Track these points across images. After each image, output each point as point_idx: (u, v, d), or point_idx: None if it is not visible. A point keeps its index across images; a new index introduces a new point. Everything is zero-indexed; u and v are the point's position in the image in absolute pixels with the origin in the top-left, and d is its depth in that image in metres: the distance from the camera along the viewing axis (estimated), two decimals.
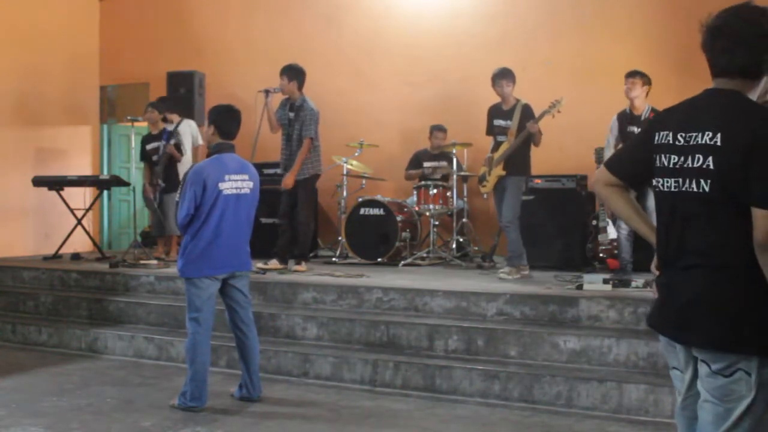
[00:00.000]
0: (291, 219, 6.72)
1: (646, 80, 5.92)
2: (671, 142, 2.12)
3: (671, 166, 2.11)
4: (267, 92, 6.69)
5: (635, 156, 2.31)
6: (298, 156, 6.56)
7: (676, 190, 2.09)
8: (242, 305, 4.53)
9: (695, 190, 2.03)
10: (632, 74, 5.95)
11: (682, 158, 2.08)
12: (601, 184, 2.32)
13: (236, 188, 4.37)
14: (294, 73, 6.64)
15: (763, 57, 2.05)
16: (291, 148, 6.68)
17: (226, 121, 4.49)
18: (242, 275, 4.52)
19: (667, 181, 2.12)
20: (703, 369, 2.03)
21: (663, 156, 2.14)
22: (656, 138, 2.17)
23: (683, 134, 2.09)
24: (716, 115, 2.04)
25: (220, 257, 4.34)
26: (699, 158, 2.02)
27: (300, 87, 6.67)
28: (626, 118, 6.00)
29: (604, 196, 2.34)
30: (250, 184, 4.46)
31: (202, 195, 4.26)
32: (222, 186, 4.30)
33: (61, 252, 8.09)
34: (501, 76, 6.24)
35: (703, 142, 2.02)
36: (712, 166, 1.99)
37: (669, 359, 2.22)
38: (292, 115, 6.67)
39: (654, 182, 2.18)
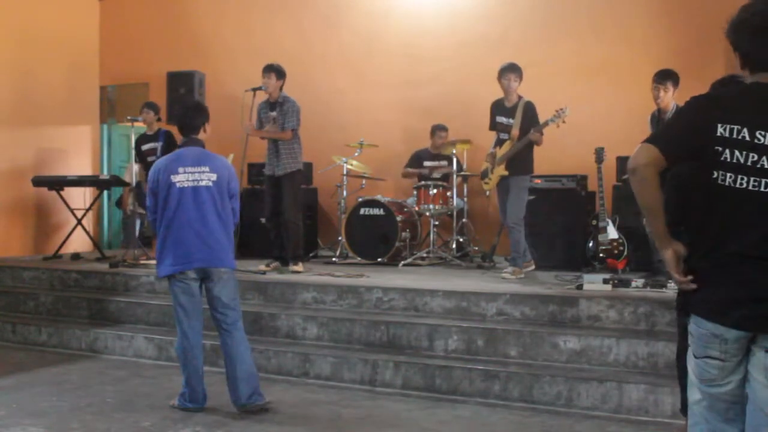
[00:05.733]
0: (278, 219, 6.68)
1: (676, 81, 5.61)
2: (747, 138, 2.11)
3: (749, 164, 2.11)
4: (254, 92, 6.70)
5: (689, 142, 2.19)
6: (273, 133, 6.57)
7: (755, 189, 2.10)
8: (220, 311, 4.30)
9: None
10: (664, 78, 5.59)
11: (766, 158, 2.09)
12: (648, 164, 2.18)
13: (193, 180, 4.24)
14: (282, 74, 6.66)
15: None
16: (276, 145, 6.62)
17: (178, 120, 4.55)
18: (219, 278, 4.27)
19: (742, 178, 2.12)
20: None
21: (735, 151, 2.12)
22: (719, 129, 2.14)
23: (763, 132, 2.10)
24: None
25: (183, 252, 4.22)
26: None
27: (281, 87, 6.69)
28: (654, 120, 5.84)
29: (647, 177, 2.18)
30: (213, 177, 4.28)
31: (158, 189, 4.26)
32: (175, 178, 4.23)
33: (61, 252, 8.09)
34: (509, 69, 6.18)
35: None
36: None
37: (701, 349, 2.21)
38: (274, 113, 6.65)
39: (715, 175, 2.14)
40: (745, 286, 2.13)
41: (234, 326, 4.33)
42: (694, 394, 2.29)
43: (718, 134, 2.13)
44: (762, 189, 2.10)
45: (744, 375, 2.19)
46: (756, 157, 2.10)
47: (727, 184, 2.13)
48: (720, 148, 2.13)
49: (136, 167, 7.83)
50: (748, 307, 2.13)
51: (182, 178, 4.25)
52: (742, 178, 2.11)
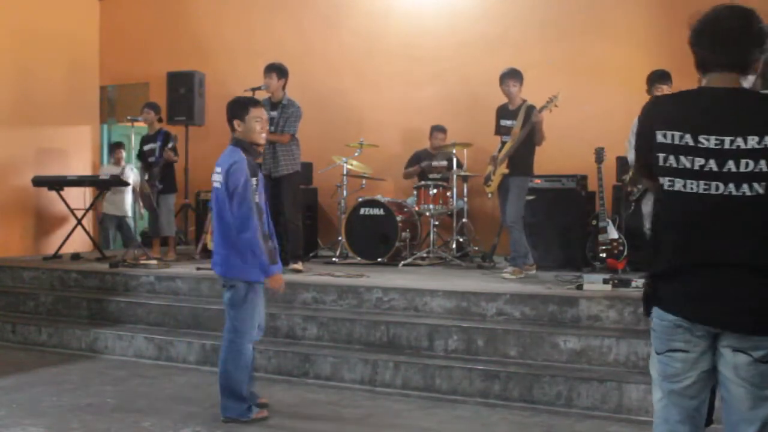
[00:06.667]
0: (277, 219, 6.66)
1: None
2: (690, 143, 2.13)
3: (696, 168, 2.12)
4: (254, 91, 6.70)
5: (645, 158, 2.27)
6: (271, 135, 6.51)
7: (707, 192, 2.12)
8: (227, 315, 4.18)
9: (747, 193, 2.07)
10: (666, 78, 5.81)
11: (714, 161, 2.10)
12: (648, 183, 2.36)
13: (213, 181, 4.17)
14: (284, 73, 6.67)
15: (754, 54, 2.17)
16: (274, 146, 6.61)
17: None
18: (225, 286, 4.13)
19: (691, 183, 2.13)
20: (740, 358, 2.13)
21: (679, 157, 2.14)
22: (658, 136, 2.17)
23: (707, 136, 2.12)
24: (758, 119, 2.09)
25: None
26: (748, 163, 2.07)
27: (284, 86, 6.69)
28: None
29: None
30: (220, 178, 4.09)
31: None
32: (213, 178, 4.22)
33: (61, 252, 8.09)
34: (509, 75, 6.26)
35: (749, 146, 2.07)
36: (766, 169, 2.06)
37: (664, 343, 2.23)
38: (274, 113, 6.64)
39: (667, 181, 2.18)
40: (706, 287, 2.16)
41: (224, 337, 4.17)
42: (656, 393, 2.30)
43: (659, 141, 2.17)
44: (713, 191, 2.11)
45: (705, 370, 2.20)
46: (703, 162, 2.12)
47: (677, 189, 2.16)
48: (664, 155, 2.17)
49: (108, 168, 7.78)
50: (711, 305, 2.15)
51: (213, 178, 4.19)
52: (691, 183, 2.14)
